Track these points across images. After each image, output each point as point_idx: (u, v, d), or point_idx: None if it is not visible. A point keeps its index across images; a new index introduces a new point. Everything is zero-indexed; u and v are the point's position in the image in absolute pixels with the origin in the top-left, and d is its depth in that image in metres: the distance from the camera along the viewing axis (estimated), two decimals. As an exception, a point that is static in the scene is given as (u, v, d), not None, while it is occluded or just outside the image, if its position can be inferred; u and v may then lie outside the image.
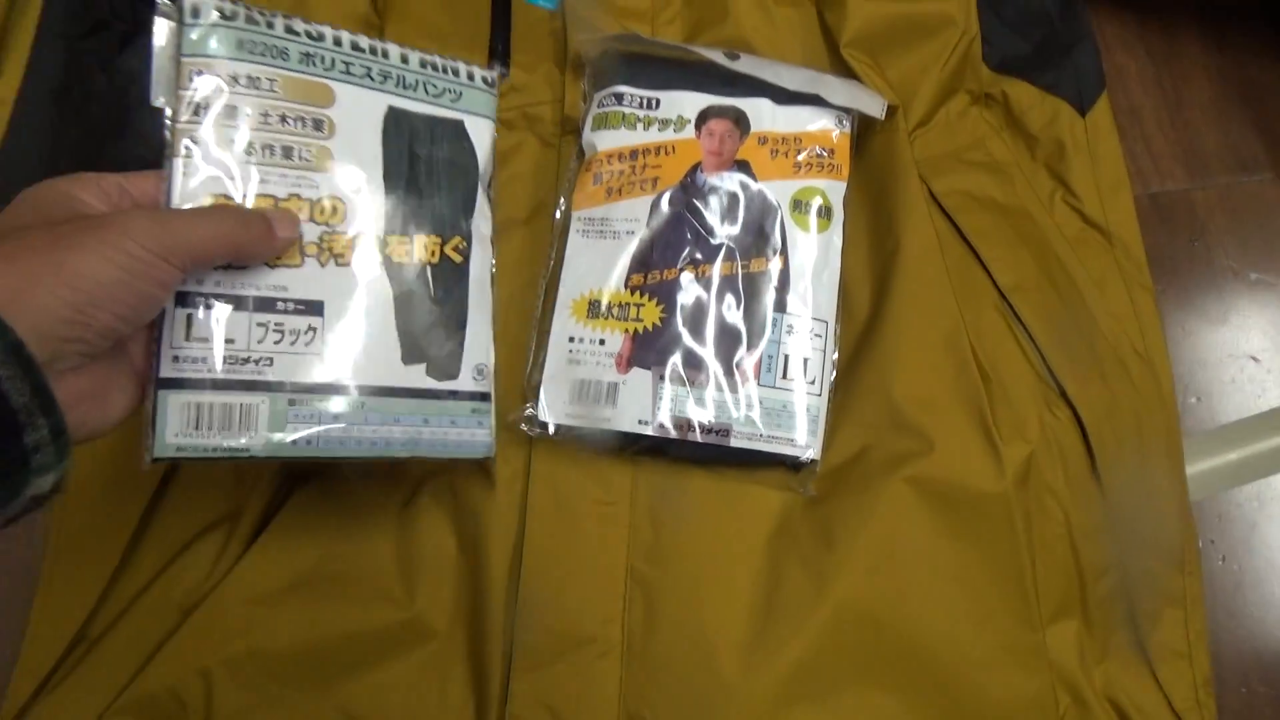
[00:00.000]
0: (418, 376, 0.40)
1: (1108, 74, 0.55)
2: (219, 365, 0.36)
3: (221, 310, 0.36)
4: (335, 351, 0.38)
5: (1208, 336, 0.55)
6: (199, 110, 0.37)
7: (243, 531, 0.45)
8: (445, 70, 0.42)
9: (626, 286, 0.46)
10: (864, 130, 0.50)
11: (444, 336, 0.41)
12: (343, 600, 0.44)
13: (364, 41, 0.41)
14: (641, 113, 0.48)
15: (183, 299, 0.36)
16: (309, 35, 0.39)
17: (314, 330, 0.38)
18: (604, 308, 0.46)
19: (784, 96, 0.48)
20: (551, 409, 0.45)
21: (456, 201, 0.42)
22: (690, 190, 0.47)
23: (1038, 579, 0.45)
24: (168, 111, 0.37)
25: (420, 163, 0.41)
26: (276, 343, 0.37)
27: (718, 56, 0.48)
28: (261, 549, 0.44)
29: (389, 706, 0.43)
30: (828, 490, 0.45)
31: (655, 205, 0.47)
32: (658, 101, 0.48)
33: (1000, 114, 0.53)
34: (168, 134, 0.36)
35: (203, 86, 0.37)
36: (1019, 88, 0.53)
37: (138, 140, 0.49)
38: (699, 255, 0.46)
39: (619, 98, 0.49)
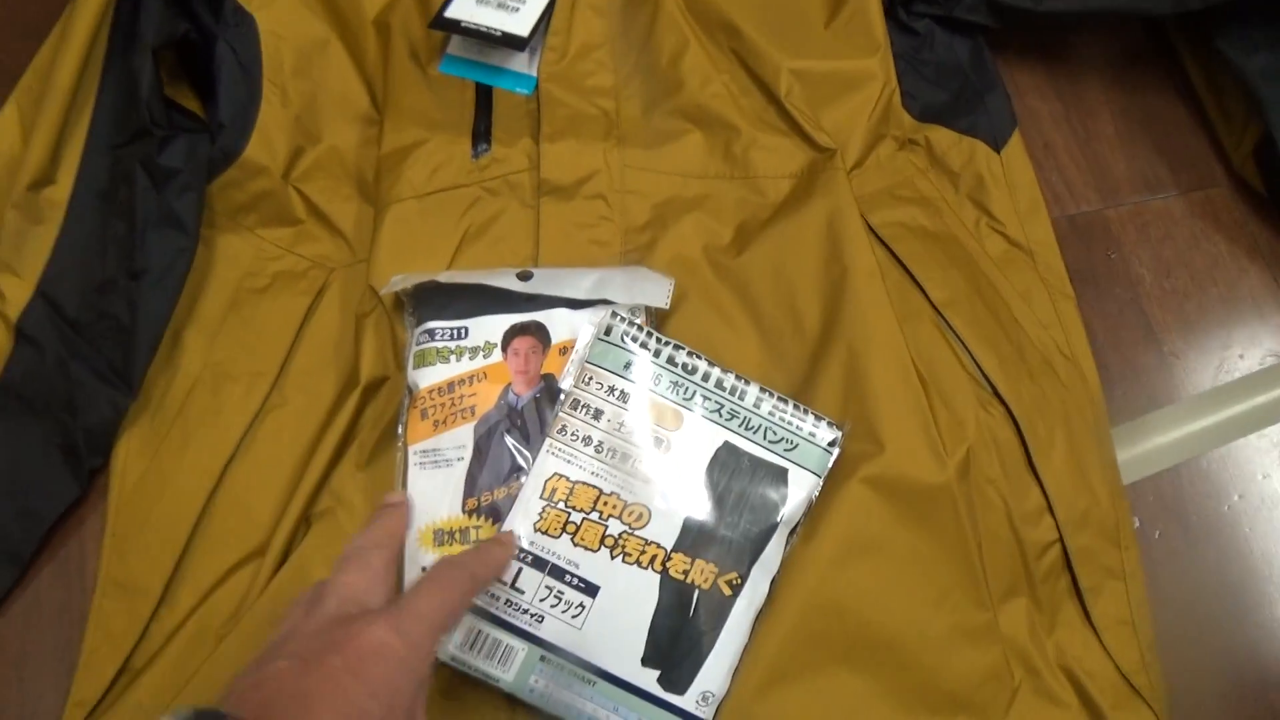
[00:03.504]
0: (649, 680, 0.44)
1: (1021, 116, 0.62)
2: (504, 606, 0.44)
3: (530, 571, 0.45)
4: (592, 632, 0.44)
5: (1128, 336, 0.60)
6: (576, 406, 0.47)
7: (269, 564, 0.49)
8: (791, 422, 0.47)
9: (464, 511, 0.47)
10: (814, 170, 0.56)
11: (686, 654, 0.44)
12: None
13: (728, 381, 0.47)
14: (453, 344, 0.50)
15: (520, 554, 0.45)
16: (684, 368, 0.47)
17: (583, 608, 0.44)
18: (448, 534, 0.47)
19: (577, 304, 0.50)
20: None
21: (748, 541, 0.46)
22: (507, 412, 0.48)
23: (985, 562, 0.48)
24: (565, 390, 0.47)
25: (730, 497, 0.46)
26: (552, 606, 0.44)
27: (510, 281, 0.50)
28: (280, 581, 0.48)
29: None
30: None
31: (477, 431, 0.48)
32: (466, 330, 0.50)
33: (924, 156, 0.60)
34: (553, 415, 0.47)
35: (587, 389, 0.47)
36: (938, 133, 0.60)
37: (176, 227, 0.53)
38: (522, 471, 0.47)
39: (431, 334, 0.50)
